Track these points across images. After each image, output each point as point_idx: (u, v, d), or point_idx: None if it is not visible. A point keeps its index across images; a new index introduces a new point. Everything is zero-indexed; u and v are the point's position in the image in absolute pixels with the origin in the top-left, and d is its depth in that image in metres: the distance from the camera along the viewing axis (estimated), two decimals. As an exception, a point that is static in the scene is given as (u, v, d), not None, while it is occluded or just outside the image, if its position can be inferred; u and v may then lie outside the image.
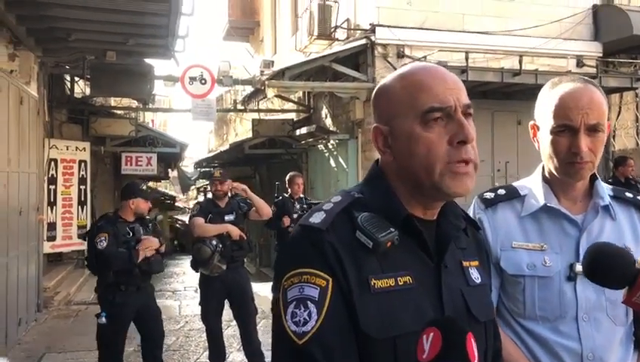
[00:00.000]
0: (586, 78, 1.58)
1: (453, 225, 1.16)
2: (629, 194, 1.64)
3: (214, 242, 5.06)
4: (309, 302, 1.00)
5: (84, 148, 10.60)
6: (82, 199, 10.58)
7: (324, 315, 0.99)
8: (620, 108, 11.10)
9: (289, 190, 7.01)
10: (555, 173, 1.56)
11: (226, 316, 5.45)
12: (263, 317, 7.24)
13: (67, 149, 10.25)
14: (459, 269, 1.16)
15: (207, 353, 5.48)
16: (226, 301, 5.32)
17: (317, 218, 1.07)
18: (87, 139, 10.96)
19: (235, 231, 5.20)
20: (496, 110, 9.55)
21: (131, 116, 12.48)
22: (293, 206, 6.80)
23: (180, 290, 10.75)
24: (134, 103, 12.78)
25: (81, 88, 11.30)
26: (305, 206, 6.87)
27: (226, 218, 5.24)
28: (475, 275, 1.19)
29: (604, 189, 1.60)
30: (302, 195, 7.01)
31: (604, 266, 1.14)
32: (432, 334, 0.92)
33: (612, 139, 11.07)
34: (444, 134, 1.07)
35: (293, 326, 0.99)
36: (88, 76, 8.58)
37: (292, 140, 12.30)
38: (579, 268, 1.50)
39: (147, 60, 8.76)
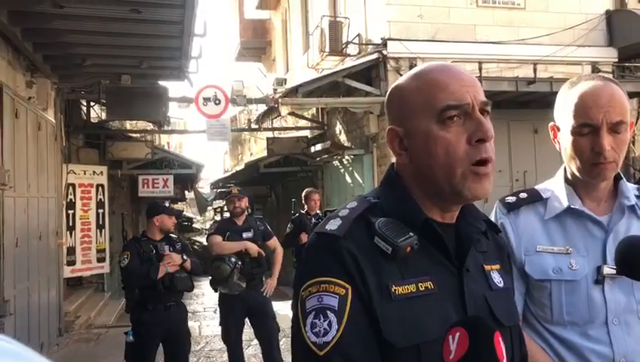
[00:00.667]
0: (605, 76, 1.54)
1: (474, 228, 1.12)
2: (655, 193, 1.59)
3: (233, 259, 5.04)
4: (328, 312, 0.96)
5: (102, 172, 10.69)
6: (100, 223, 10.65)
7: (344, 324, 0.95)
8: (638, 113, 10.96)
9: (305, 206, 6.99)
10: (578, 175, 1.52)
11: (246, 335, 5.41)
12: (284, 335, 7.18)
13: (85, 174, 10.34)
14: (480, 273, 1.13)
15: (228, 373, 5.44)
16: (247, 320, 5.28)
17: (333, 225, 1.04)
18: (104, 163, 11.06)
19: (254, 248, 5.18)
20: (512, 120, 9.48)
21: (147, 139, 12.59)
22: (310, 222, 6.77)
23: (200, 311, 10.73)
24: (149, 126, 12.90)
25: (97, 113, 11.45)
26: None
27: (244, 235, 5.23)
28: (498, 279, 1.15)
29: (630, 189, 1.55)
30: (318, 211, 6.99)
31: (636, 259, 1.10)
32: (458, 334, 0.88)
33: (632, 145, 10.92)
34: (462, 133, 1.04)
35: (314, 336, 0.96)
36: (104, 100, 8.68)
37: (307, 157, 12.31)
38: (607, 270, 1.46)
39: (161, 82, 8.85)
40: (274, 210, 17.55)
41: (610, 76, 6.46)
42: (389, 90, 1.16)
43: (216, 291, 5.36)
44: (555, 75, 9.31)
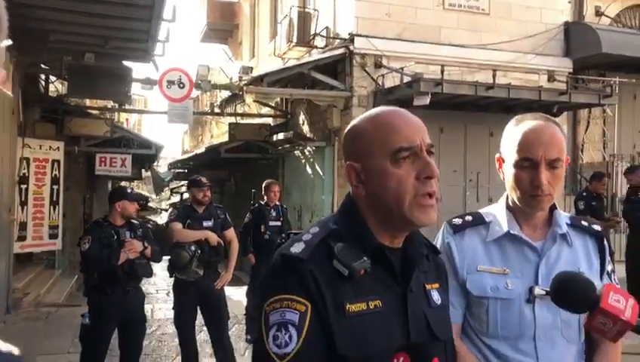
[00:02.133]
0: (547, 116, 1.71)
1: (418, 252, 1.28)
2: (584, 223, 1.78)
3: (193, 248, 5.09)
4: (289, 326, 1.10)
5: (58, 148, 10.48)
6: (54, 199, 10.47)
7: (303, 338, 1.09)
8: (588, 122, 11.44)
9: (265, 197, 7.08)
10: (518, 203, 1.69)
11: (198, 321, 5.50)
12: (236, 322, 7.28)
13: (40, 148, 10.13)
14: (422, 292, 1.28)
15: (179, 358, 5.51)
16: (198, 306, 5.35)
17: (297, 248, 1.18)
18: (61, 138, 10.84)
19: (214, 238, 5.24)
20: (469, 122, 9.75)
21: (107, 116, 12.39)
22: (269, 213, 6.88)
23: (152, 293, 10.71)
24: (110, 103, 12.69)
25: (55, 87, 11.19)
26: (281, 214, 6.96)
27: (204, 224, 5.28)
28: (436, 297, 1.31)
29: (562, 218, 1.73)
30: (277, 203, 7.09)
31: (569, 293, 1.27)
32: (401, 358, 1.03)
33: (580, 153, 11.40)
34: (411, 170, 1.20)
35: (275, 348, 1.09)
36: (66, 77, 8.52)
37: (269, 145, 12.36)
38: (537, 291, 1.63)
39: (126, 63, 8.74)
40: (232, 195, 17.54)
41: (564, 86, 6.69)
42: (347, 129, 1.30)
43: (171, 276, 5.41)
44: (514, 81, 9.62)
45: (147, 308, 8.78)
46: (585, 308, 1.20)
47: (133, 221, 4.70)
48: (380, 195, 1.20)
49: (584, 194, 8.08)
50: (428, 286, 1.30)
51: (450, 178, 10.04)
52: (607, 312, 1.16)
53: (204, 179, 5.45)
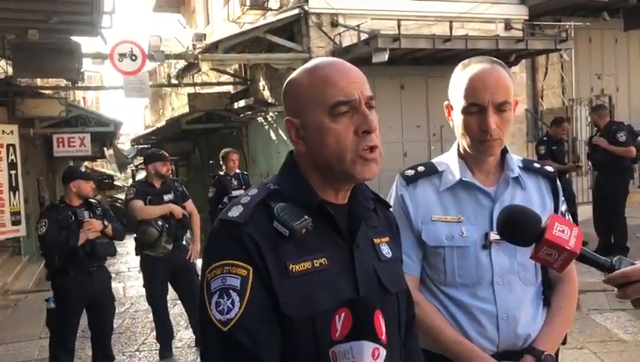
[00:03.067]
0: (493, 58, 1.67)
1: (363, 207, 1.26)
2: (536, 165, 1.77)
3: (160, 223, 5.03)
4: (231, 291, 1.07)
5: (12, 132, 10.14)
6: (14, 185, 10.17)
7: (246, 302, 1.06)
8: (546, 68, 11.55)
9: (224, 167, 6.98)
10: (469, 150, 1.66)
11: (171, 294, 5.46)
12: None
13: (-8, 133, 9.80)
14: (370, 246, 1.26)
15: (154, 333, 5.49)
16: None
17: (235, 212, 1.14)
18: (13, 121, 10.47)
19: (178, 210, 5.19)
20: (429, 76, 9.75)
21: (60, 96, 12.00)
22: (230, 183, 6.80)
23: (124, 271, 10.60)
24: (63, 82, 12.27)
25: (2, 68, 10.75)
26: (243, 182, 6.89)
27: (165, 198, 5.20)
28: (386, 250, 1.29)
29: (514, 162, 1.71)
30: (238, 171, 7.01)
31: (515, 225, 1.25)
32: (343, 314, 1.01)
33: (540, 99, 11.54)
34: (350, 125, 1.15)
35: (218, 314, 1.07)
36: (10, 56, 8.17)
37: (230, 113, 12.18)
38: (493, 236, 1.63)
39: (74, 38, 8.41)
40: (198, 167, 17.34)
41: (521, 34, 6.73)
42: (285, 83, 1.25)
43: (138, 255, 5.34)
44: (471, 32, 9.62)
45: (119, 286, 8.76)
46: (531, 240, 1.19)
47: (91, 200, 4.58)
48: (319, 151, 1.17)
49: (544, 138, 8.18)
50: (377, 241, 1.28)
51: (415, 133, 10.08)
52: (551, 243, 1.15)
53: (163, 153, 5.36)
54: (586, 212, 9.56)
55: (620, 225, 7.27)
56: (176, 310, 6.39)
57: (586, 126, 10.86)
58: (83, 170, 4.68)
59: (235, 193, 6.75)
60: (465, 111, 1.61)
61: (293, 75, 1.24)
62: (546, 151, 7.73)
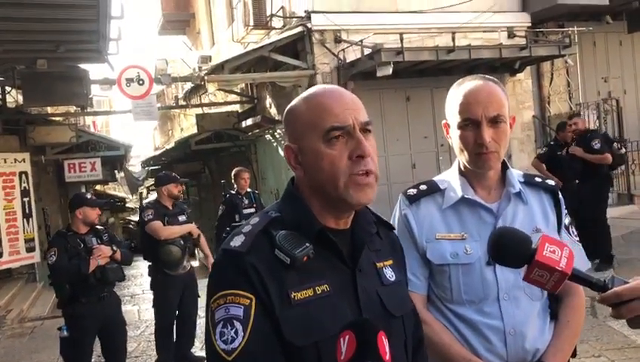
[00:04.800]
0: (485, 76, 1.71)
1: (366, 231, 1.27)
2: (538, 179, 1.78)
3: (182, 242, 5.24)
4: (235, 321, 1.09)
5: (24, 160, 10.28)
6: (27, 212, 10.29)
7: (249, 331, 1.08)
8: (552, 74, 11.53)
9: (235, 186, 7.03)
10: (468, 165, 1.69)
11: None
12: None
13: (5, 162, 9.93)
14: (373, 271, 1.28)
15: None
16: None
17: (237, 241, 1.16)
18: (25, 149, 10.61)
19: (196, 230, 5.44)
20: (435, 87, 9.77)
21: (70, 122, 12.14)
22: (241, 201, 6.85)
23: (139, 294, 10.63)
24: (73, 109, 12.43)
25: (14, 97, 10.91)
26: (254, 200, 6.95)
27: (180, 218, 5.36)
28: (390, 274, 1.30)
29: (515, 177, 1.73)
30: (249, 190, 7.06)
31: (505, 249, 1.26)
32: (347, 336, 1.02)
33: (547, 105, 11.50)
34: (344, 150, 1.18)
35: (222, 344, 1.09)
36: (20, 86, 8.30)
37: (238, 132, 12.25)
38: (497, 252, 1.63)
39: (82, 65, 8.54)
40: (209, 185, 17.42)
41: (524, 41, 6.74)
42: (286, 110, 1.28)
43: (151, 275, 5.43)
44: (474, 41, 9.64)
45: (133, 309, 8.79)
46: (522, 263, 1.20)
47: (97, 227, 4.64)
48: (316, 176, 1.19)
49: (552, 143, 8.16)
50: (380, 265, 1.29)
51: (422, 144, 10.09)
52: (542, 264, 1.16)
53: (177, 175, 5.56)
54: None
55: (603, 233, 7.25)
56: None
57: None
58: (89, 196, 4.74)
59: (246, 211, 6.81)
60: (460, 127, 1.65)
61: (293, 102, 1.27)
62: (543, 155, 7.75)
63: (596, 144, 7.07)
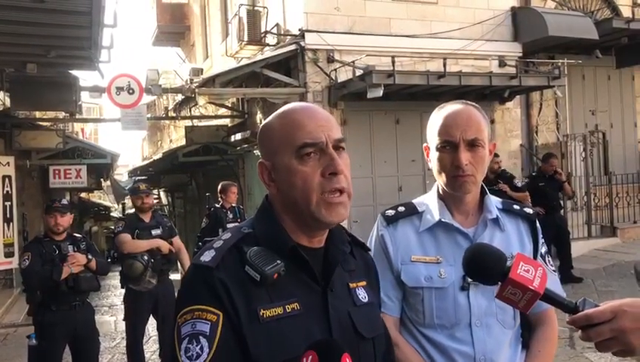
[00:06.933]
0: (467, 101, 1.72)
1: (339, 250, 1.25)
2: (516, 207, 1.78)
3: (146, 257, 5.05)
4: (200, 337, 1.07)
5: (8, 163, 10.15)
6: (8, 216, 10.14)
7: (215, 348, 1.06)
8: (540, 104, 11.66)
9: (220, 200, 6.99)
10: (445, 188, 1.69)
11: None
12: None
13: (-11, 165, 9.81)
14: (346, 291, 1.25)
15: (144, 369, 5.42)
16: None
17: (207, 256, 1.14)
18: (10, 153, 10.49)
19: (165, 246, 5.22)
20: (424, 111, 9.78)
21: (58, 127, 12.06)
22: (226, 215, 6.80)
23: (117, 304, 10.49)
24: (61, 114, 12.36)
25: (1, 100, 10.83)
26: (238, 215, 6.90)
27: (153, 232, 5.24)
28: (362, 295, 1.28)
29: (493, 203, 1.72)
30: (234, 204, 7.01)
31: (479, 264, 1.25)
32: (310, 357, 1.00)
33: (535, 135, 11.61)
34: (317, 167, 1.17)
35: (187, 360, 1.06)
36: (8, 89, 8.24)
37: (227, 146, 12.23)
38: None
39: (72, 71, 8.50)
40: (195, 198, 17.32)
41: (514, 70, 6.88)
42: (260, 127, 1.27)
43: (123, 288, 5.35)
44: (465, 68, 9.75)
45: (110, 320, 8.67)
46: (496, 280, 1.19)
47: (75, 234, 4.58)
48: (288, 194, 1.18)
49: (534, 173, 8.37)
50: (353, 285, 1.28)
51: (410, 167, 10.11)
52: (515, 282, 1.15)
53: (142, 186, 5.43)
54: (580, 248, 9.57)
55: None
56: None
57: (581, 161, 10.95)
58: (64, 200, 4.70)
59: (230, 226, 6.76)
60: (439, 149, 1.65)
61: (267, 119, 1.26)
62: (526, 185, 7.97)
63: (518, 183, 7.86)
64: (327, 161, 1.17)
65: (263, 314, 1.10)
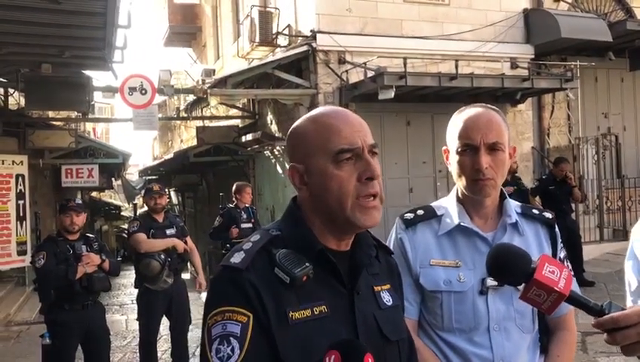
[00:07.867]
0: (486, 104, 1.71)
1: (365, 254, 1.26)
2: (535, 211, 1.78)
3: (163, 256, 5.10)
4: (231, 338, 1.08)
5: (22, 162, 10.26)
6: (21, 214, 10.24)
7: (245, 349, 1.07)
8: (553, 107, 11.60)
9: (234, 200, 7.02)
10: (465, 192, 1.69)
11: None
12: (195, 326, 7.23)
13: (2, 163, 9.92)
14: (371, 294, 1.27)
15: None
16: None
17: (237, 258, 1.16)
18: (24, 152, 10.60)
19: (181, 245, 5.28)
20: (435, 113, 9.81)
21: (71, 127, 12.15)
22: (240, 216, 6.84)
23: (128, 303, 10.55)
24: (74, 114, 12.45)
25: (15, 100, 10.93)
26: (252, 215, 6.93)
27: (168, 232, 5.28)
28: (387, 298, 1.30)
29: (512, 207, 1.72)
30: (247, 205, 7.04)
31: (504, 264, 1.24)
32: (333, 356, 1.01)
33: (547, 137, 11.55)
34: (353, 172, 1.18)
35: (218, 361, 1.07)
36: (23, 89, 8.32)
37: (238, 147, 12.26)
38: (490, 282, 1.62)
39: (85, 72, 8.57)
40: (205, 198, 17.37)
41: (527, 72, 6.90)
42: (290, 130, 1.27)
43: (137, 287, 5.38)
44: (477, 70, 9.72)
45: (121, 318, 8.72)
46: (521, 280, 1.19)
47: (88, 234, 4.61)
48: (322, 197, 1.19)
49: (544, 177, 8.31)
50: (377, 288, 1.29)
51: (421, 169, 10.10)
52: (541, 283, 1.15)
53: (155, 187, 5.45)
54: (592, 251, 9.52)
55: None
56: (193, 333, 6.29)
57: (593, 164, 10.88)
58: (77, 200, 4.74)
59: (244, 226, 6.80)
60: (459, 152, 1.65)
61: (298, 122, 1.27)
62: (537, 188, 7.92)
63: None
64: (363, 166, 1.18)
65: (292, 316, 1.11)
